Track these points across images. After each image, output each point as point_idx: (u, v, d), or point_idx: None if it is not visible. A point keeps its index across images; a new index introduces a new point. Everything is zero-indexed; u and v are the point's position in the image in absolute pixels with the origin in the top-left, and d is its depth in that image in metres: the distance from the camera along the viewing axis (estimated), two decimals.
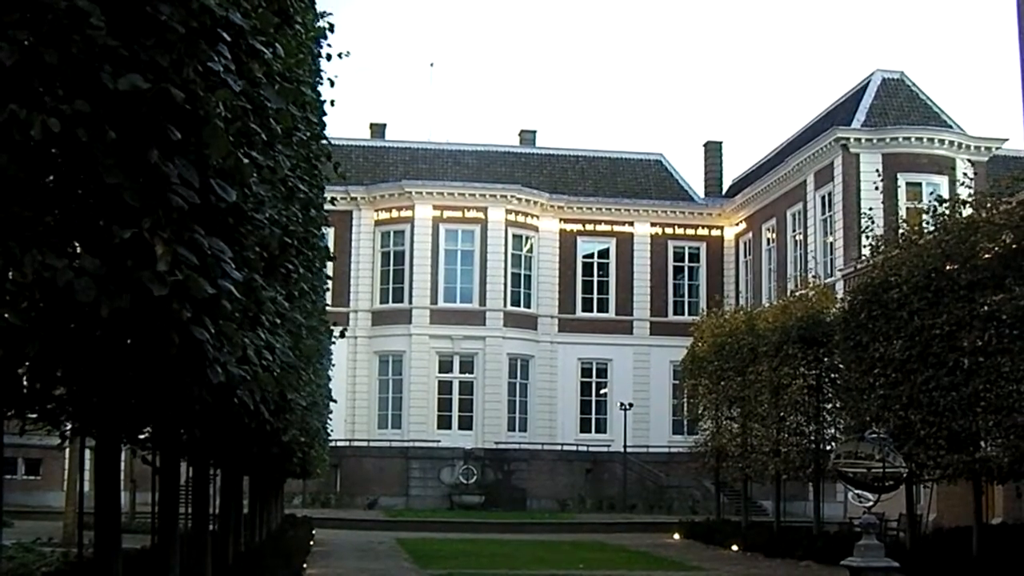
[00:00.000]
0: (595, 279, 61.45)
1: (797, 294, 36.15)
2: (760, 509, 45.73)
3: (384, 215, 59.26)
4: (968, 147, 49.55)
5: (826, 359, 31.08)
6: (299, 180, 8.66)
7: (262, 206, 5.96)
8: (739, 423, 35.83)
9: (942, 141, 49.22)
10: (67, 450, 27.51)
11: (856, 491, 15.26)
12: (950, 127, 50.69)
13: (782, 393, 32.16)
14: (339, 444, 46.17)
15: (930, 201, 27.33)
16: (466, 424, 57.15)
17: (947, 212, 25.23)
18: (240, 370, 5.40)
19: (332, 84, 11.02)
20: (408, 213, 58.63)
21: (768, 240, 57.97)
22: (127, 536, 8.79)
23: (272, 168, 6.60)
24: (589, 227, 61.62)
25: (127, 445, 9.78)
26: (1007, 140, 50.23)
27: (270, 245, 6.63)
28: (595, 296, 61.34)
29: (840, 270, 47.19)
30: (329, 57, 10.47)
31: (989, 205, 23.70)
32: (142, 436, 9.51)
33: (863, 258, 30.65)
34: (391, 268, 58.89)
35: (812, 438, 31.50)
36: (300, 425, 13.25)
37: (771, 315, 35.46)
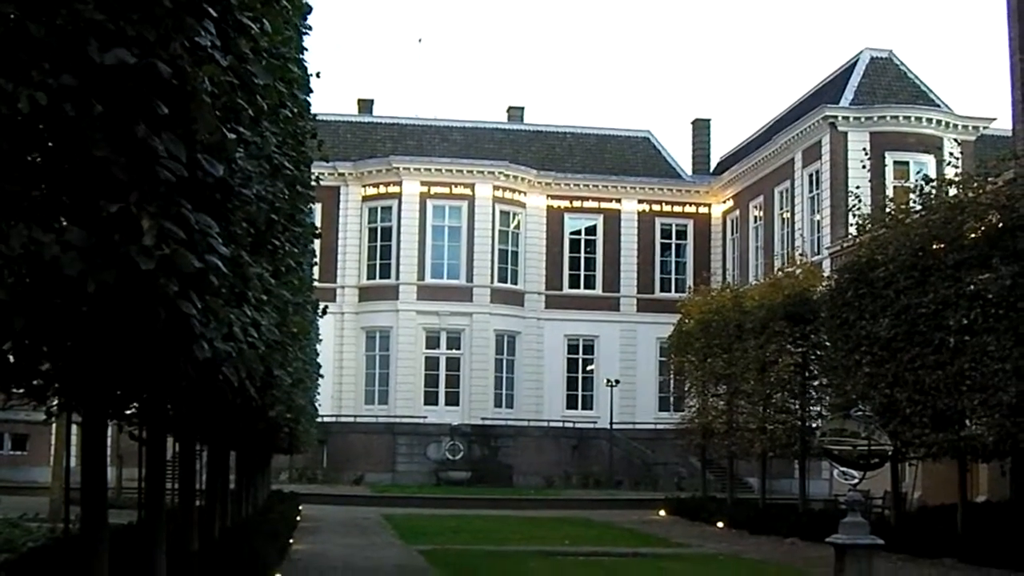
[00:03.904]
0: (582, 256, 61.52)
1: (784, 272, 36.23)
2: (746, 486, 45.95)
3: (371, 191, 59.19)
4: (956, 126, 49.60)
5: (812, 337, 31.16)
6: (285, 157, 8.64)
7: (249, 182, 5.95)
8: (725, 400, 35.95)
9: (930, 120, 49.28)
10: (54, 425, 27.49)
11: (841, 469, 15.33)
12: (938, 106, 50.75)
13: (768, 371, 32.25)
14: (326, 420, 46.17)
15: (917, 180, 27.38)
16: (453, 400, 57.25)
17: (934, 191, 25.30)
18: (226, 346, 5.41)
19: (318, 76, 11.02)
20: (395, 189, 58.55)
21: (755, 218, 58.05)
22: (113, 511, 8.81)
23: (259, 144, 6.59)
24: (576, 204, 61.67)
25: (114, 421, 9.79)
26: (995, 120, 50.27)
27: (257, 221, 6.63)
28: (582, 273, 61.44)
29: (827, 248, 47.31)
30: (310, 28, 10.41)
31: (976, 185, 23.76)
32: (129, 412, 9.51)
33: (850, 236, 30.74)
34: (378, 244, 58.87)
35: (798, 416, 31.61)
36: (286, 402, 13.26)
37: (758, 293, 35.55)
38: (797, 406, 31.78)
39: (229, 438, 15.70)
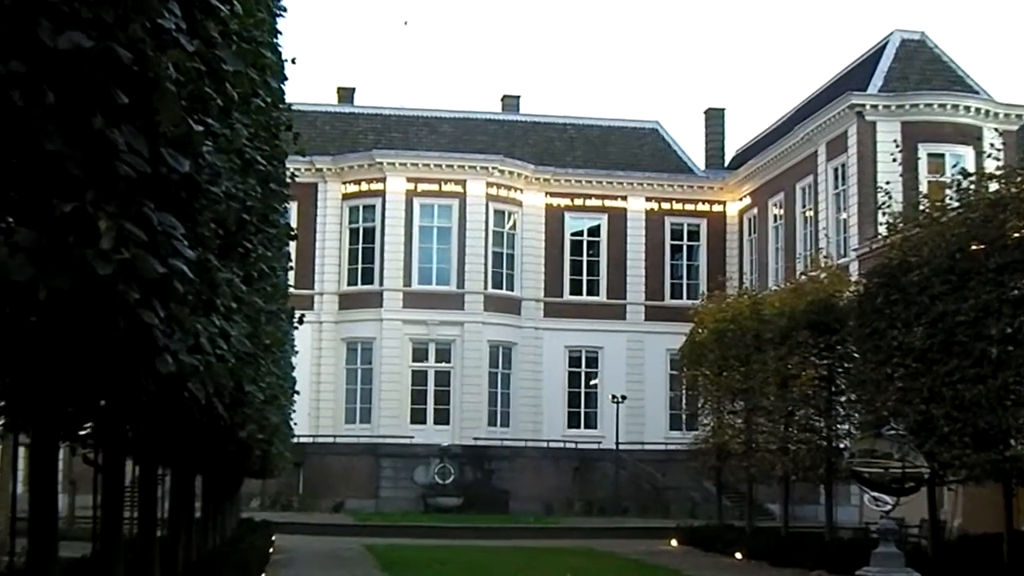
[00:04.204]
0: (584, 259, 61.67)
1: (807, 276, 36.29)
2: (766, 513, 45.97)
3: (352, 188, 59.29)
4: (996, 115, 49.67)
5: (839, 348, 31.20)
6: (258, 151, 8.65)
7: (218, 178, 5.95)
8: (743, 418, 35.99)
9: (967, 108, 49.33)
10: None
11: (873, 494, 15.35)
12: (976, 93, 50.80)
13: (790, 385, 32.28)
14: (302, 440, 46.17)
15: (954, 174, 27.41)
16: (442, 418, 57.29)
17: (973, 186, 25.31)
18: (192, 359, 5.40)
19: (294, 62, 11.02)
20: (379, 186, 58.61)
21: (775, 216, 58.14)
22: (65, 543, 8.79)
23: (228, 137, 6.59)
24: (578, 202, 61.80)
25: (66, 442, 9.76)
26: None
27: (226, 221, 6.63)
28: (584, 278, 61.59)
29: (854, 250, 47.38)
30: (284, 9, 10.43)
31: (1020, 179, 23.75)
32: (83, 432, 9.49)
33: (879, 237, 30.78)
34: (360, 246, 58.96)
35: (824, 435, 31.63)
36: (259, 420, 13.24)
37: (778, 299, 35.57)
38: (822, 424, 31.80)
39: (195, 461, 15.68)
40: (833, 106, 51.22)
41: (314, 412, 56.61)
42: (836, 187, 51.89)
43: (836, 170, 51.84)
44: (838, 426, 31.38)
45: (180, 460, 14.83)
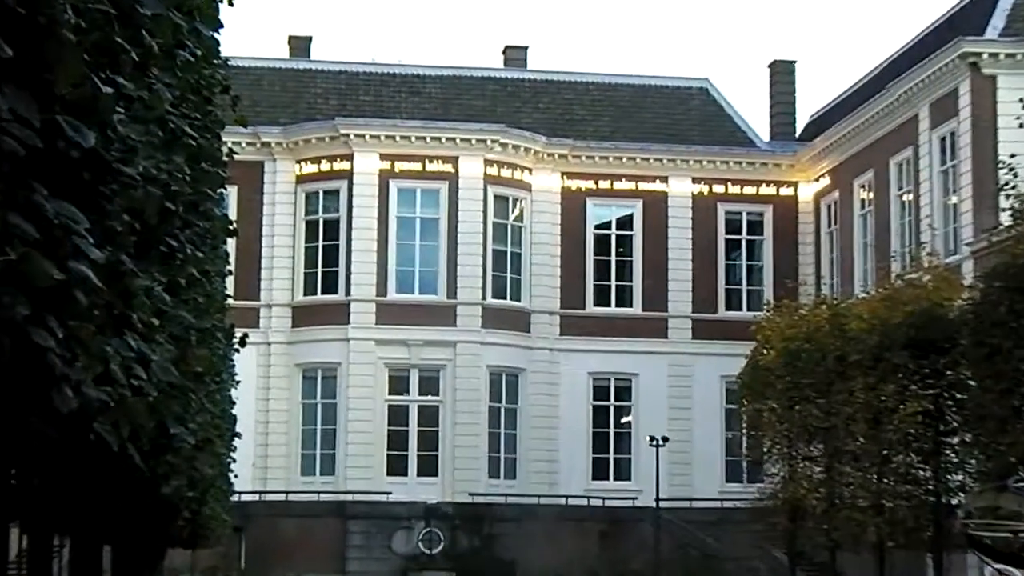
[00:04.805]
0: (613, 259, 61.73)
1: (905, 280, 36.21)
2: None
3: (310, 168, 59.29)
4: None
5: (948, 373, 31.19)
6: (185, 120, 8.64)
7: (133, 156, 5.94)
8: (823, 466, 36.00)
9: None
10: None
11: (996, 566, 15.33)
12: None
13: (885, 422, 32.28)
14: (246, 498, 46.13)
15: None
16: (429, 468, 57.30)
17: None
18: (100, 393, 5.39)
19: (231, 3, 10.99)
20: (344, 165, 58.65)
21: (863, 202, 58.07)
22: None
23: (146, 101, 6.57)
24: (604, 185, 61.75)
25: None
26: None
27: (145, 212, 6.61)
28: (613, 283, 61.65)
29: (968, 244, 47.29)
30: None
31: None
32: None
33: (1001, 227, 30.71)
34: (320, 244, 59.01)
35: (930, 487, 31.59)
36: (187, 472, 13.24)
37: (867, 310, 35.55)
38: (928, 473, 31.77)
39: (102, 527, 15.66)
40: (938, 58, 51.11)
41: (261, 461, 56.61)
42: (943, 162, 51.81)
43: (943, 140, 51.77)
44: (949, 476, 31.34)
45: (83, 526, 14.81)
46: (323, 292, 58.81)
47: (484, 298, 58.85)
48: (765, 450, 41.18)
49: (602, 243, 61.87)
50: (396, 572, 52.40)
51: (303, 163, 59.53)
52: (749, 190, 62.95)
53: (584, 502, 56.60)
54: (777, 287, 55.69)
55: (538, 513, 54.99)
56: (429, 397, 58.17)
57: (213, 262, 12.81)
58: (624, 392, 61.06)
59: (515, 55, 69.33)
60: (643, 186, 61.98)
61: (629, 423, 60.61)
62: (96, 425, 5.61)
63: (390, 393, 57.99)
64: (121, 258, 5.97)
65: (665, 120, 65.01)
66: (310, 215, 59.58)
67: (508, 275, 59.82)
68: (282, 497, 55.20)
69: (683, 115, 65.73)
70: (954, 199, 51.04)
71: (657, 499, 53.93)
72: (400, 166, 58.64)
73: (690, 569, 53.70)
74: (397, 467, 57.28)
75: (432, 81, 65.13)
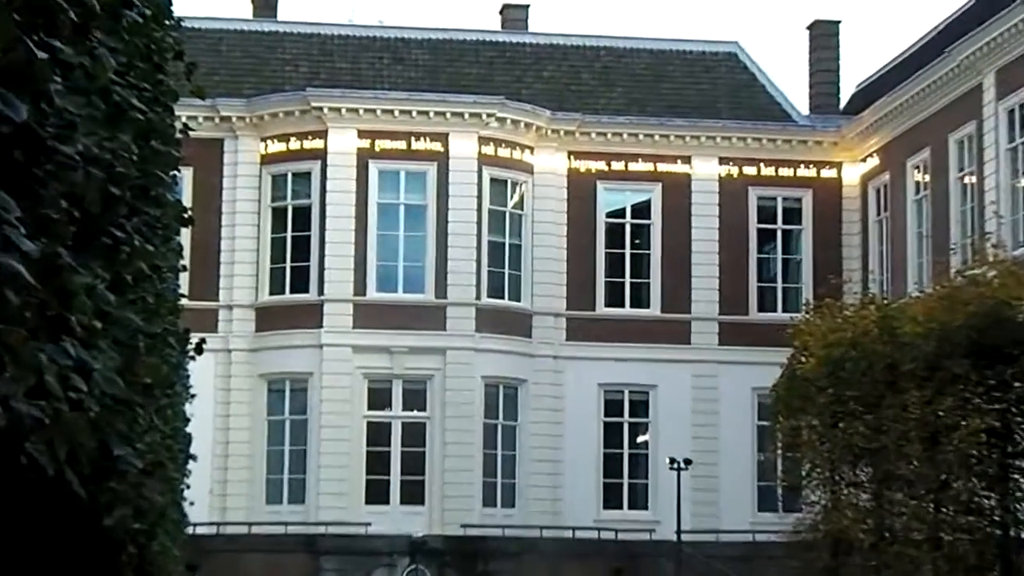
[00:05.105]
0: (627, 252, 61.72)
1: (966, 276, 36.19)
2: None
3: (277, 147, 59.28)
4: None
5: (1017, 384, 31.19)
6: (133, 90, 8.60)
7: (71, 132, 5.91)
8: (871, 492, 35.97)
9: None
10: None
11: None
12: None
13: (943, 442, 32.25)
14: (202, 531, 46.10)
15: None
16: (414, 496, 57.36)
17: None
18: (33, 408, 5.35)
19: None
20: (316, 143, 58.64)
21: (917, 185, 58.07)
22: None
23: (88, 69, 6.53)
24: (618, 166, 61.78)
25: None
26: None
27: (85, 198, 6.58)
28: (627, 281, 61.65)
29: None
30: None
31: None
32: None
33: None
34: (288, 235, 59.04)
35: (996, 518, 31.58)
36: (134, 500, 13.19)
37: (923, 311, 35.55)
38: (993, 502, 31.75)
39: (35, 564, 15.62)
40: (1007, 16, 51.10)
41: (220, 488, 56.62)
42: (1011, 139, 51.83)
43: (1011, 113, 51.80)
44: (1018, 506, 31.33)
45: (10, 563, 14.78)
46: (292, 291, 58.76)
47: (478, 298, 58.85)
48: (804, 474, 41.14)
49: (615, 234, 61.85)
50: None
51: (269, 141, 59.45)
52: (785, 172, 62.80)
53: (594, 535, 56.73)
54: (817, 285, 55.58)
55: (540, 548, 55.08)
56: (415, 413, 58.19)
57: (165, 256, 12.78)
58: (640, 407, 61.05)
59: (514, 15, 69.30)
60: (662, 167, 61.92)
61: (646, 443, 60.63)
62: (28, 446, 5.58)
63: (369, 408, 57.96)
64: (58, 251, 5.94)
65: (688, 91, 65.00)
66: (277, 201, 59.56)
67: (506, 271, 59.81)
68: (244, 529, 55.26)
69: (709, 85, 65.66)
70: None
71: (678, 531, 53.96)
72: (381, 144, 58.60)
73: None
74: (377, 494, 57.24)
75: (418, 46, 65.03)
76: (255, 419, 58.48)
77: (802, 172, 62.97)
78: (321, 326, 57.93)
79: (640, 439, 60.78)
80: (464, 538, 54.94)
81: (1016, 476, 31.47)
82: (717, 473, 59.27)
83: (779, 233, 63.03)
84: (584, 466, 59.77)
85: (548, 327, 60.46)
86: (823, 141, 63.27)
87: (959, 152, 55.20)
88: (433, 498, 57.35)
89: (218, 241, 58.34)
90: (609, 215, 61.90)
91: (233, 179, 59.31)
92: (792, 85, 62.17)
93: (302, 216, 59.00)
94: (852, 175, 62.89)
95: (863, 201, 62.41)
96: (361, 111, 58.63)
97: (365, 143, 58.54)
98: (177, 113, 12.91)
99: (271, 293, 59.16)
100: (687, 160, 62.08)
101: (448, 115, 58.89)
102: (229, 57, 62.09)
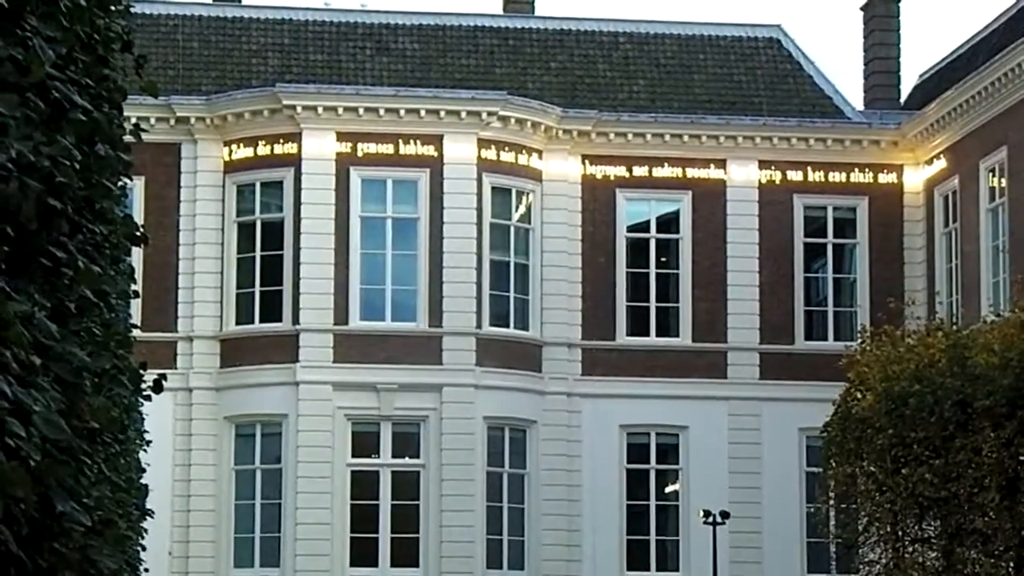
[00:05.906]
0: (652, 271, 61.73)
1: None
2: None
3: (243, 152, 59.30)
4: None
5: None
6: (75, 86, 8.63)
7: (3, 136, 5.93)
8: (939, 549, 35.95)
9: None
10: None
11: None
12: None
13: None
14: None
15: None
16: (407, 557, 57.43)
17: None
18: None
19: None
20: (289, 148, 58.68)
21: (992, 191, 58.07)
22: None
23: (22, 60, 6.55)
24: (640, 172, 61.72)
25: None
26: None
27: (20, 212, 6.60)
28: (652, 305, 61.57)
29: None
30: None
31: None
32: None
33: None
34: (257, 254, 59.00)
35: None
36: (80, 564, 13.21)
37: (999, 339, 35.55)
38: None
39: None
40: None
41: (180, 549, 56.63)
42: None
43: None
44: None
45: None
46: (262, 320, 58.76)
47: (479, 326, 58.83)
48: (861, 529, 41.12)
49: (638, 251, 61.84)
50: None
51: (233, 145, 59.44)
52: (837, 177, 62.72)
53: None
54: (875, 308, 55.63)
55: None
56: (406, 460, 58.22)
57: (114, 280, 12.80)
58: (669, 452, 61.03)
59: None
60: (692, 173, 61.91)
61: (676, 493, 60.61)
62: None
63: (354, 455, 57.97)
64: None
65: (723, 83, 64.95)
66: (244, 216, 59.50)
67: (511, 295, 59.86)
68: None
69: (747, 76, 65.57)
70: None
71: None
72: (364, 149, 58.63)
73: None
74: (364, 555, 57.30)
75: (406, 33, 65.01)
76: (221, 469, 58.40)
77: (856, 177, 62.87)
78: (296, 360, 57.85)
79: (669, 489, 60.75)
80: None
81: None
82: (759, 528, 59.25)
83: (830, 248, 62.93)
84: (604, 521, 59.72)
85: (561, 360, 60.41)
86: (880, 141, 63.15)
87: None
88: (428, 559, 57.32)
89: (176, 262, 58.33)
90: (631, 229, 61.82)
91: (192, 190, 59.18)
92: (844, 76, 62.09)
93: (273, 233, 58.94)
94: (915, 180, 62.79)
95: (928, 210, 62.31)
96: (340, 110, 58.61)
97: (345, 147, 58.52)
98: (127, 114, 12.95)
99: (238, 323, 59.10)
100: (721, 164, 62.04)
101: (442, 114, 58.88)
102: (187, 48, 62.13)
